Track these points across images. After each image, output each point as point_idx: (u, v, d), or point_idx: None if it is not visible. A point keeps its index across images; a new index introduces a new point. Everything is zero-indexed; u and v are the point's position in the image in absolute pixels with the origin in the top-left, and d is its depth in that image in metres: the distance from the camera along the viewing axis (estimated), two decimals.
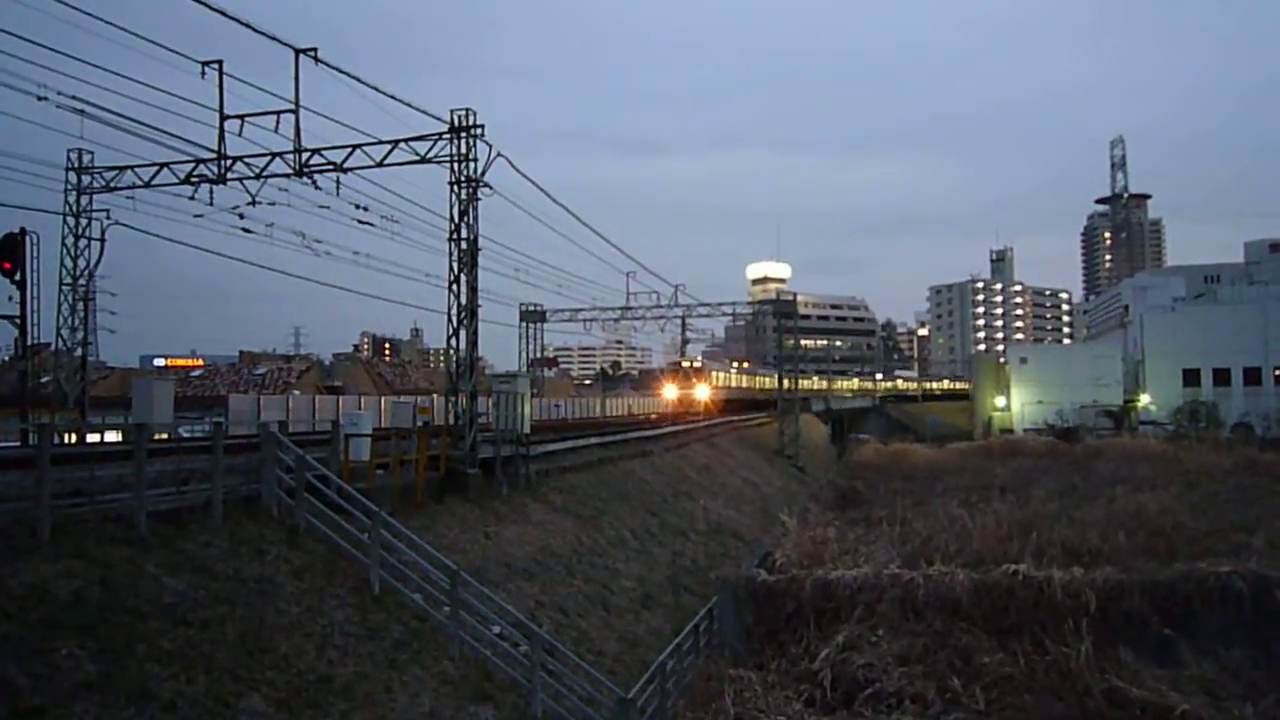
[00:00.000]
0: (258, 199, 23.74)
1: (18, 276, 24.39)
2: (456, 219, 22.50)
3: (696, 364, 68.52)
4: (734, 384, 76.75)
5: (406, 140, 22.33)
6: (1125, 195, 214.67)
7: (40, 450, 11.52)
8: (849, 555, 16.47)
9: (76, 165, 25.43)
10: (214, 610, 11.63)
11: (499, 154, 22.61)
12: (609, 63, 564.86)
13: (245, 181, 23.51)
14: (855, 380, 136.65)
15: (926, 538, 18.08)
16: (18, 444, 20.19)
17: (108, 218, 25.83)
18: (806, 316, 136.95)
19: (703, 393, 64.19)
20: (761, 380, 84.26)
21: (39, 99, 20.08)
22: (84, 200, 25.70)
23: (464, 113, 22.25)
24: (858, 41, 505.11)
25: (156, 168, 24.15)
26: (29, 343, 25.77)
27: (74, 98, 20.49)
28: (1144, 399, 75.48)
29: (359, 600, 13.76)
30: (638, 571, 23.49)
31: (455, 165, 22.31)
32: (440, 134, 22.23)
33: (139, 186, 24.74)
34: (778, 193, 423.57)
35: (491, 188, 22.98)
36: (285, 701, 10.84)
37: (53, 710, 8.73)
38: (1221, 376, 74.05)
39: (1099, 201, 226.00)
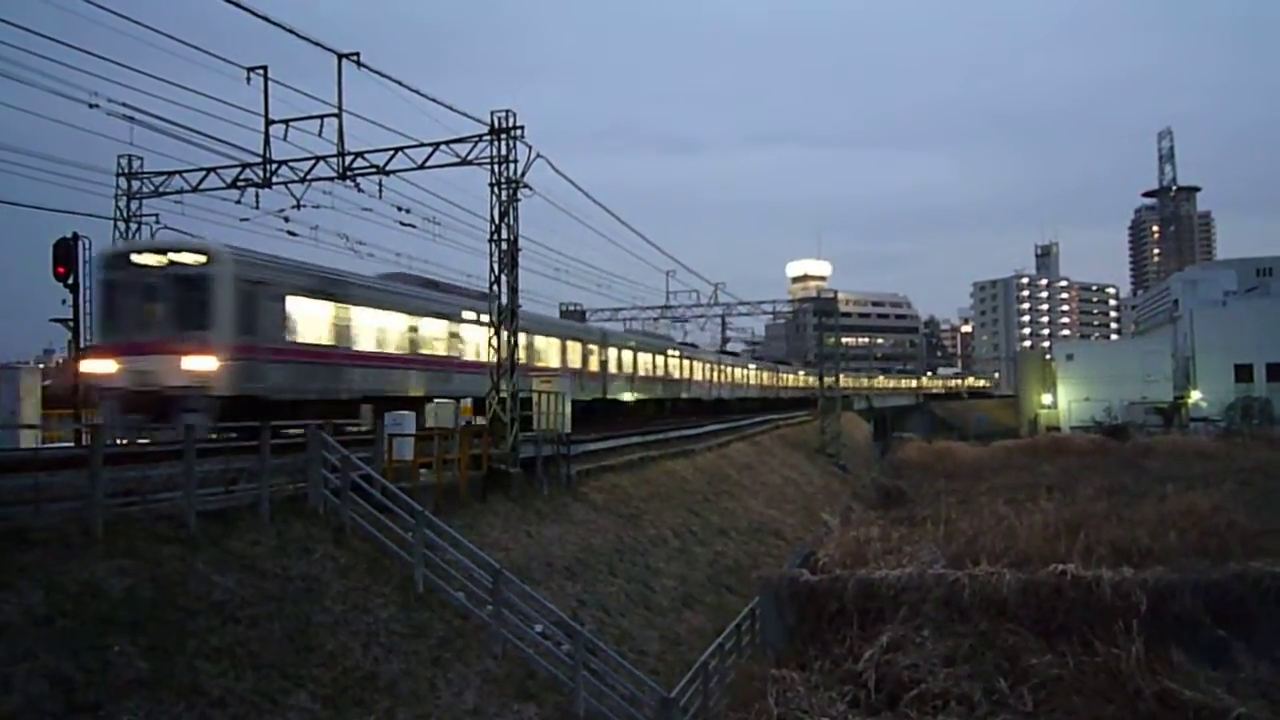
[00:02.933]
0: (302, 202, 24.09)
1: (71, 280, 24.93)
2: (497, 220, 22.62)
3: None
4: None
5: (447, 142, 22.49)
6: (1173, 188, 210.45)
7: (94, 451, 11.76)
8: (893, 555, 16.24)
9: (127, 171, 25.93)
10: (262, 608, 11.81)
11: (538, 155, 22.67)
12: (639, 61, 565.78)
13: (290, 185, 23.84)
14: (899, 378, 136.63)
15: (972, 537, 17.78)
16: (72, 444, 20.60)
17: (157, 222, 26.31)
18: (847, 314, 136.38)
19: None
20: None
21: (90, 106, 20.52)
22: (134, 205, 26.21)
23: (504, 114, 22.35)
24: (895, 34, 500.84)
25: (204, 172, 24.57)
26: (82, 345, 26.32)
27: (124, 104, 20.92)
28: (1195, 395, 73.90)
29: (403, 598, 13.90)
30: (679, 570, 23.47)
31: (495, 167, 22.44)
32: (480, 136, 22.37)
33: (187, 191, 25.17)
34: (816, 189, 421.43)
35: (531, 188, 23.06)
36: (331, 698, 10.98)
37: (107, 705, 8.92)
38: (1275, 371, 72.19)
39: (1146, 194, 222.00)
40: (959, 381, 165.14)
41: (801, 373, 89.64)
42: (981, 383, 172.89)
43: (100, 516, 11.42)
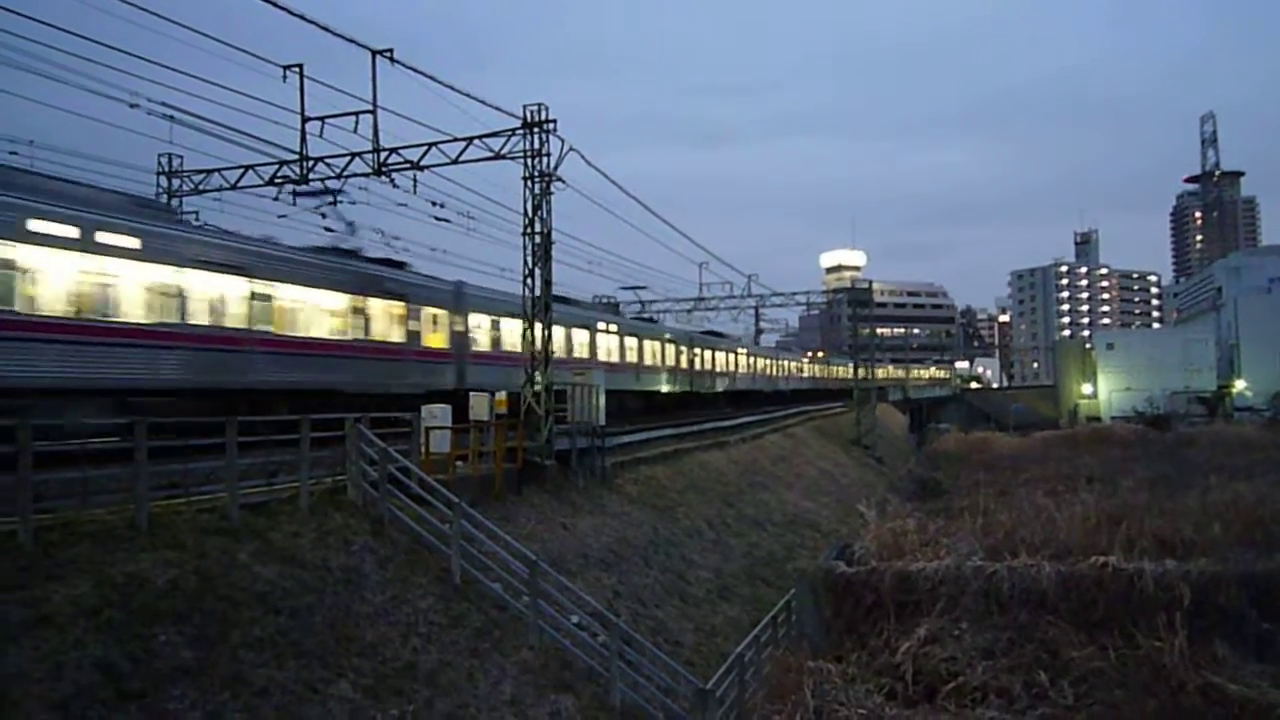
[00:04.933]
0: (339, 198, 24.38)
1: None
2: (530, 213, 22.69)
3: None
4: None
5: (481, 137, 22.57)
6: (1216, 173, 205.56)
7: (137, 445, 11.96)
8: (929, 547, 16.17)
9: (167, 169, 26.34)
10: (303, 599, 11.97)
11: (571, 148, 22.74)
12: (671, 55, 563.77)
13: (326, 181, 24.12)
14: (934, 368, 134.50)
15: (1010, 529, 17.65)
16: (116, 438, 20.95)
17: (196, 219, 26.75)
18: (883, 304, 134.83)
19: None
20: None
21: (131, 106, 20.84)
22: (174, 203, 26.62)
23: (536, 108, 22.40)
24: (929, 23, 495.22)
25: (242, 170, 24.86)
26: None
27: (163, 104, 21.22)
28: (1239, 384, 72.70)
29: (441, 589, 14.03)
30: (714, 562, 23.47)
31: (528, 161, 22.50)
32: (513, 130, 22.41)
33: (226, 189, 25.50)
34: (851, 178, 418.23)
35: (565, 182, 23.09)
36: (372, 688, 11.13)
37: (153, 693, 9.10)
38: None
39: (1189, 180, 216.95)
40: (923, 372, 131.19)
41: (742, 350, 61.41)
42: (932, 371, 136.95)
43: (145, 509, 11.64)
